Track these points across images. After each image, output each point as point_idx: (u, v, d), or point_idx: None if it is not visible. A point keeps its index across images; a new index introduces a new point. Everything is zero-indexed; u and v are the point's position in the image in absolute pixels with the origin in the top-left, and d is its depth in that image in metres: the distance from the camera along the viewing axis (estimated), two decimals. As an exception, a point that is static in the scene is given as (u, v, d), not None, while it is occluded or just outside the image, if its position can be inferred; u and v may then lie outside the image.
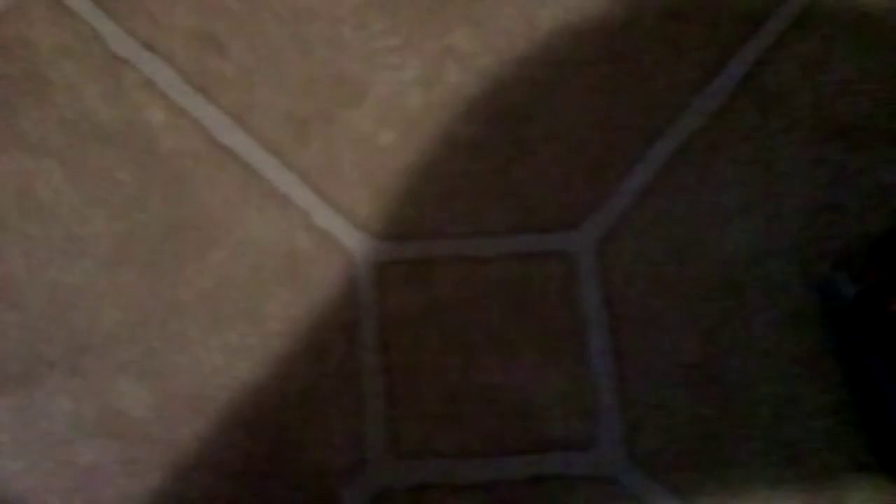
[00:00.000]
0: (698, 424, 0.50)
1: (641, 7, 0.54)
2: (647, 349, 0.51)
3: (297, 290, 0.51)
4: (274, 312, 0.51)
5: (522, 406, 0.50)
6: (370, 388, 0.50)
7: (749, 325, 0.51)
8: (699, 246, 0.52)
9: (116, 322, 0.51)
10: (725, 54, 0.53)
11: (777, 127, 0.53)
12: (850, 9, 0.53)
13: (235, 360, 0.51)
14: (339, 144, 0.53)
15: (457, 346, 0.51)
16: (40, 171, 0.52)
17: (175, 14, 0.54)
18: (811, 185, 0.52)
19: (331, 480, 0.49)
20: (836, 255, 0.51)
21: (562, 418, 0.50)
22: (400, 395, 0.50)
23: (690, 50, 0.53)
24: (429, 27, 0.54)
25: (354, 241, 0.52)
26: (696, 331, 0.51)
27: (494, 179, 0.53)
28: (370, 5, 0.54)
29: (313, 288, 0.51)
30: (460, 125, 0.53)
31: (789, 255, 0.52)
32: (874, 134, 0.52)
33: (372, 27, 0.54)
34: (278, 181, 0.53)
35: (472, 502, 0.49)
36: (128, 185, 0.52)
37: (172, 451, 0.50)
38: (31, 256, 0.51)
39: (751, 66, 0.53)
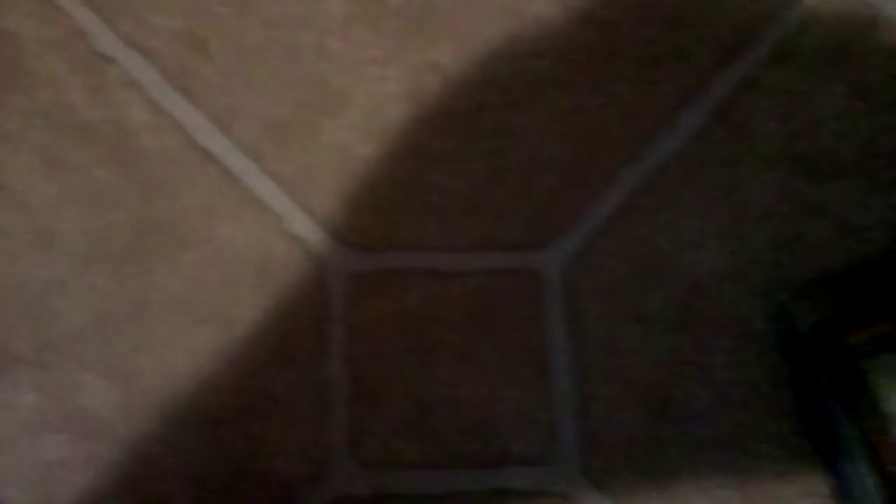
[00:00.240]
0: (653, 447, 0.51)
1: (621, 34, 0.54)
2: (607, 370, 0.51)
3: (268, 295, 0.52)
4: (243, 317, 0.51)
5: (483, 420, 0.51)
6: (335, 397, 0.51)
7: (708, 353, 0.52)
8: (664, 271, 0.52)
9: (85, 319, 0.51)
10: (701, 83, 0.54)
11: (747, 157, 0.54)
12: (827, 46, 0.54)
13: (202, 362, 0.51)
14: (317, 153, 0.53)
15: (423, 359, 0.51)
16: (16, 163, 0.52)
17: (161, 14, 0.54)
18: (777, 217, 0.53)
19: (292, 486, 0.50)
20: (796, 287, 0.52)
21: (521, 434, 0.51)
22: (364, 404, 0.51)
23: (666, 78, 0.54)
24: (412, 41, 0.54)
25: (327, 250, 0.52)
26: (656, 355, 0.52)
27: (469, 195, 0.53)
28: (356, 16, 0.54)
29: (284, 294, 0.52)
30: (439, 140, 0.54)
31: (752, 284, 0.52)
32: (842, 170, 0.53)
33: (357, 38, 0.54)
34: (255, 186, 0.53)
35: (430, 513, 0.50)
36: (104, 183, 0.52)
37: (135, 450, 0.50)
38: (1, 249, 0.51)
39: (725, 96, 0.54)
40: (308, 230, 0.52)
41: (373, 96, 0.54)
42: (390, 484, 0.50)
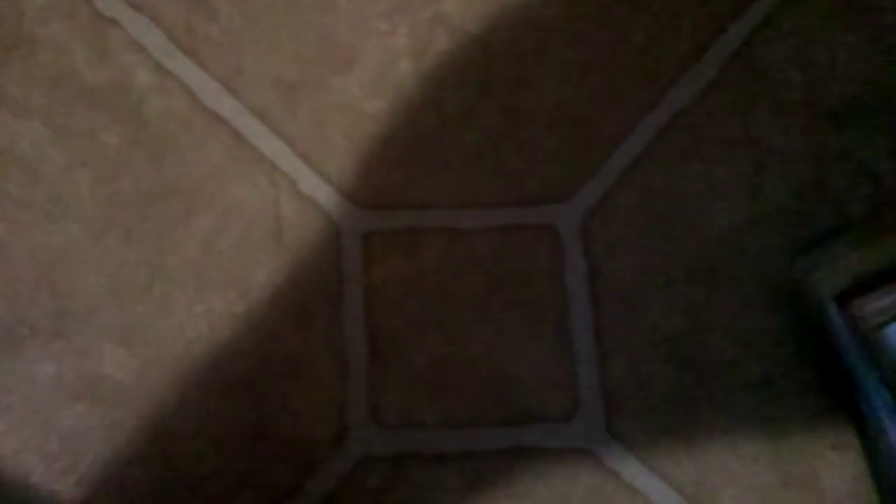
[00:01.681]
0: (677, 400, 0.51)
1: (634, -20, 0.53)
2: (628, 324, 0.51)
3: (283, 257, 0.51)
4: (258, 279, 0.51)
5: (504, 378, 0.51)
6: (353, 357, 0.51)
7: (730, 304, 0.51)
8: (684, 222, 0.52)
9: (100, 286, 0.51)
10: (716, 30, 0.53)
11: (765, 105, 0.53)
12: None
13: (219, 326, 0.51)
14: (327, 111, 0.53)
15: (441, 317, 0.51)
16: (24, 131, 0.52)
17: (163, -26, 0.53)
18: (797, 165, 0.52)
19: (313, 448, 0.50)
20: (815, 240, 0.51)
21: (542, 391, 0.51)
22: (383, 364, 0.51)
23: (682, 24, 0.53)
24: (419, -6, 0.54)
25: (340, 210, 0.52)
26: (677, 307, 0.51)
27: (483, 151, 0.52)
28: (361, -30, 0.53)
29: (298, 256, 0.51)
30: (449, 94, 0.53)
31: (772, 234, 0.52)
32: (861, 115, 0.53)
33: (363, -8, 0.54)
34: (265, 147, 0.52)
35: (452, 471, 0.50)
36: (113, 148, 0.52)
37: (155, 416, 0.50)
38: (13, 218, 0.51)
39: (741, 42, 0.53)
40: (320, 190, 0.52)
41: (381, 52, 0.53)
42: (411, 444, 0.50)
